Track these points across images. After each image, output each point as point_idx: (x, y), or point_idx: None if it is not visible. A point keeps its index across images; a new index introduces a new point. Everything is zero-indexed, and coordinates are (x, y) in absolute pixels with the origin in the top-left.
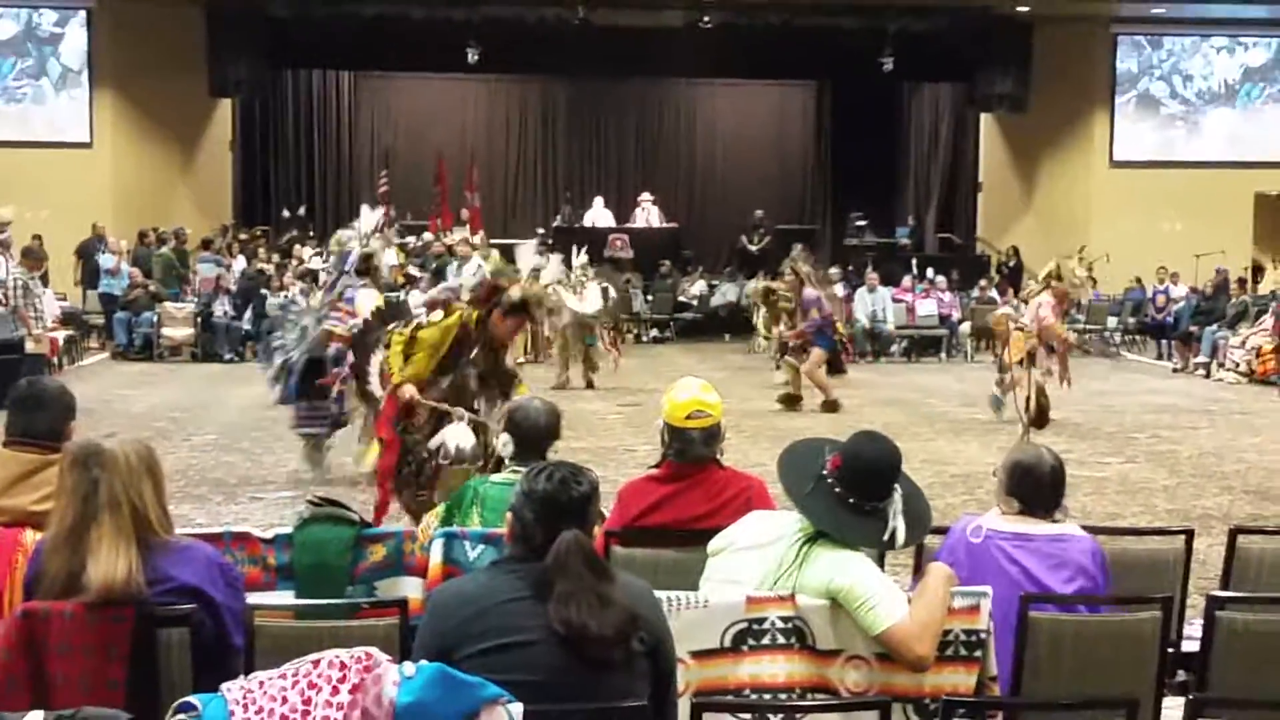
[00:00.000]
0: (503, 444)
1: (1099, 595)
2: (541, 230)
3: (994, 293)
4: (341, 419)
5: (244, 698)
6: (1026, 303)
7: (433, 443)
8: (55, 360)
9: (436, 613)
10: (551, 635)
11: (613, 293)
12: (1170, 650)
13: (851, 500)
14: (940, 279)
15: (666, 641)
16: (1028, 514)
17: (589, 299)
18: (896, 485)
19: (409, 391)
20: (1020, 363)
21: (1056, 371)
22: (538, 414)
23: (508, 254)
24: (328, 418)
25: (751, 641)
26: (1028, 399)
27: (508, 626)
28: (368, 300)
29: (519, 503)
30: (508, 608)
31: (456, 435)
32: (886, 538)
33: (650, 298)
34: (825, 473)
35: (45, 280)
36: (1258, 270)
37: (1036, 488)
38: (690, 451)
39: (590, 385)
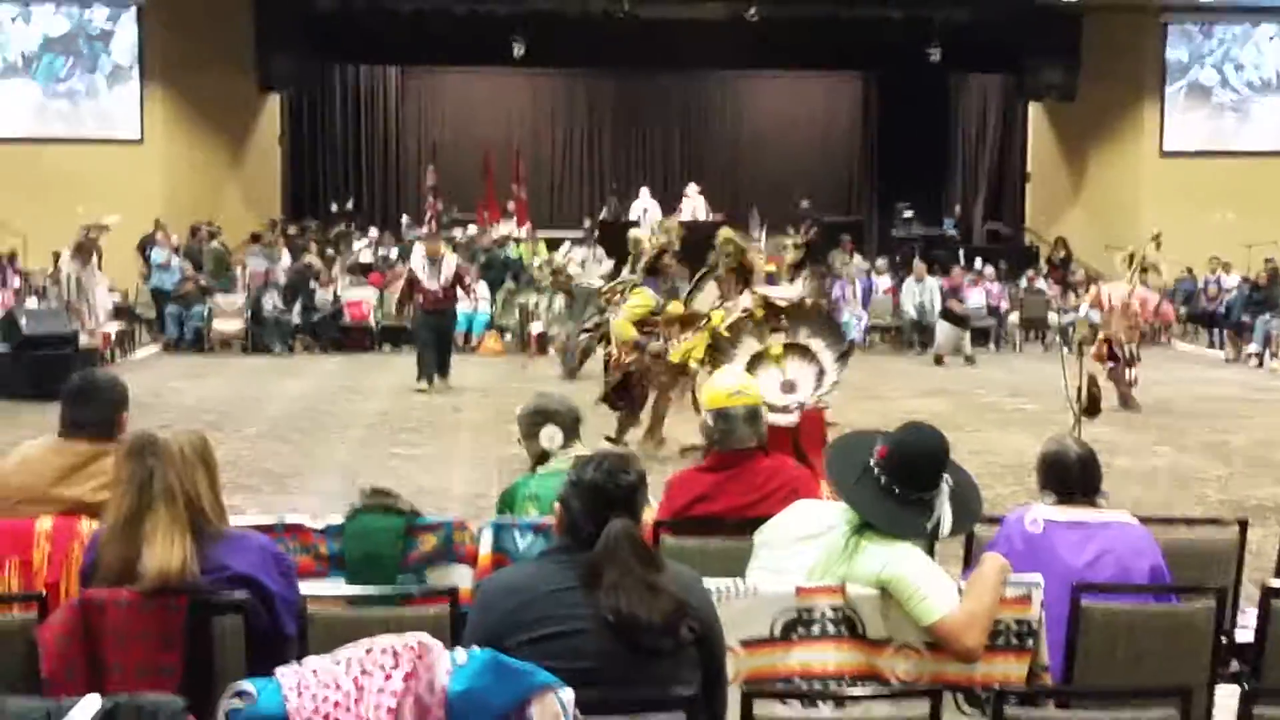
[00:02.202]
0: (549, 437)
1: (1157, 584)
2: (588, 222)
3: (1042, 283)
4: None
5: (298, 683)
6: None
7: None
8: (107, 353)
9: (485, 604)
10: (600, 624)
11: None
12: (1224, 640)
13: (898, 490)
14: (988, 269)
15: (716, 631)
16: (1067, 503)
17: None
18: (945, 475)
19: None
20: (1085, 352)
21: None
22: (561, 402)
23: (553, 245)
24: None
25: (801, 630)
26: (1079, 389)
27: (556, 616)
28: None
29: (568, 492)
30: (556, 597)
31: None
32: (930, 527)
33: None
34: (872, 463)
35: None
36: None
37: (1065, 477)
38: (735, 433)
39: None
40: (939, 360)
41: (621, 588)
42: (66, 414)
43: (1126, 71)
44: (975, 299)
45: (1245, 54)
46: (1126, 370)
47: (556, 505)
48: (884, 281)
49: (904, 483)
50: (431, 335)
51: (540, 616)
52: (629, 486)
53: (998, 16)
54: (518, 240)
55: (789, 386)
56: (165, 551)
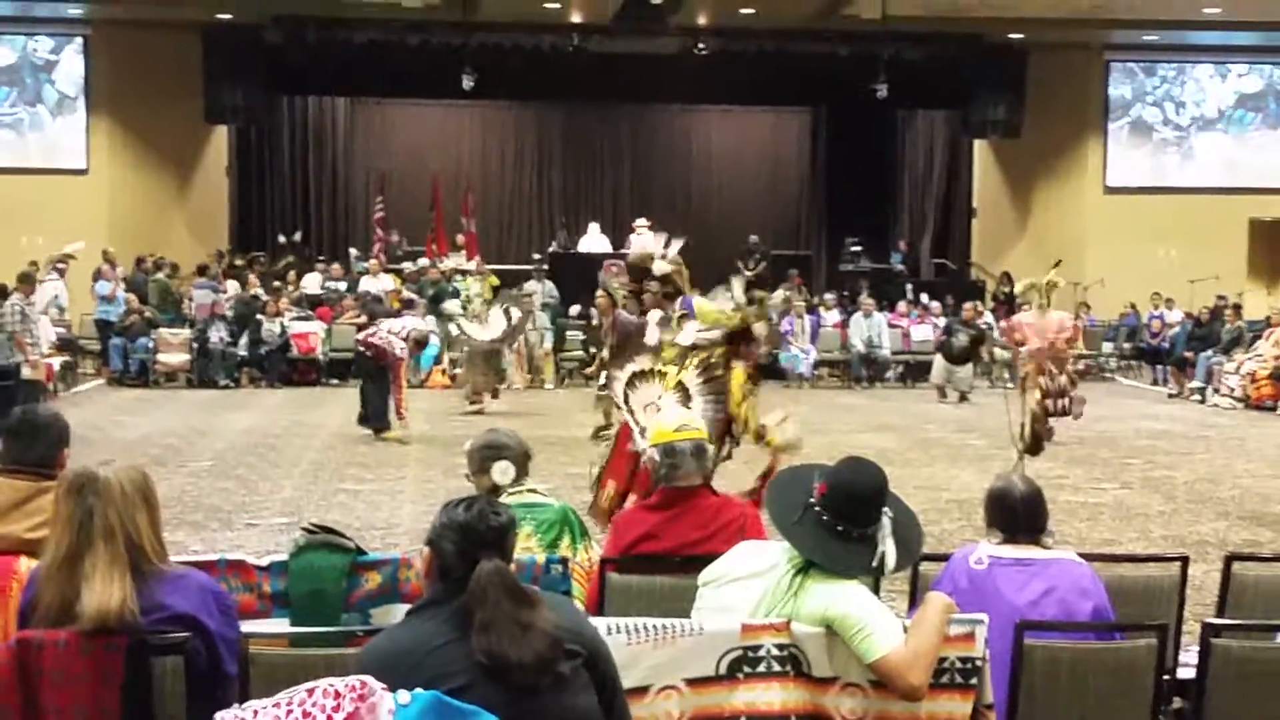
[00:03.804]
0: (501, 471)
1: (1100, 622)
2: (537, 256)
3: (990, 318)
4: None
5: None
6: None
7: None
8: (51, 386)
9: (369, 674)
10: (482, 670)
11: (515, 314)
12: (1166, 678)
13: (840, 528)
14: (935, 304)
15: (600, 647)
16: (1012, 542)
17: (492, 325)
18: (885, 509)
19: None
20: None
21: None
22: (512, 437)
23: (505, 279)
24: None
25: (747, 669)
26: (1022, 425)
27: (442, 674)
28: None
29: (437, 534)
30: (438, 655)
31: None
32: (875, 563)
33: None
34: (812, 501)
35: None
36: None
37: (1011, 516)
38: (682, 468)
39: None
40: (942, 394)
41: (492, 627)
42: (6, 451)
43: (1070, 109)
44: (920, 334)
45: (1186, 92)
46: (1055, 401)
47: (425, 549)
48: (832, 316)
49: (846, 519)
50: None
51: (428, 679)
52: (499, 528)
53: (944, 53)
54: (465, 273)
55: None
56: (104, 591)
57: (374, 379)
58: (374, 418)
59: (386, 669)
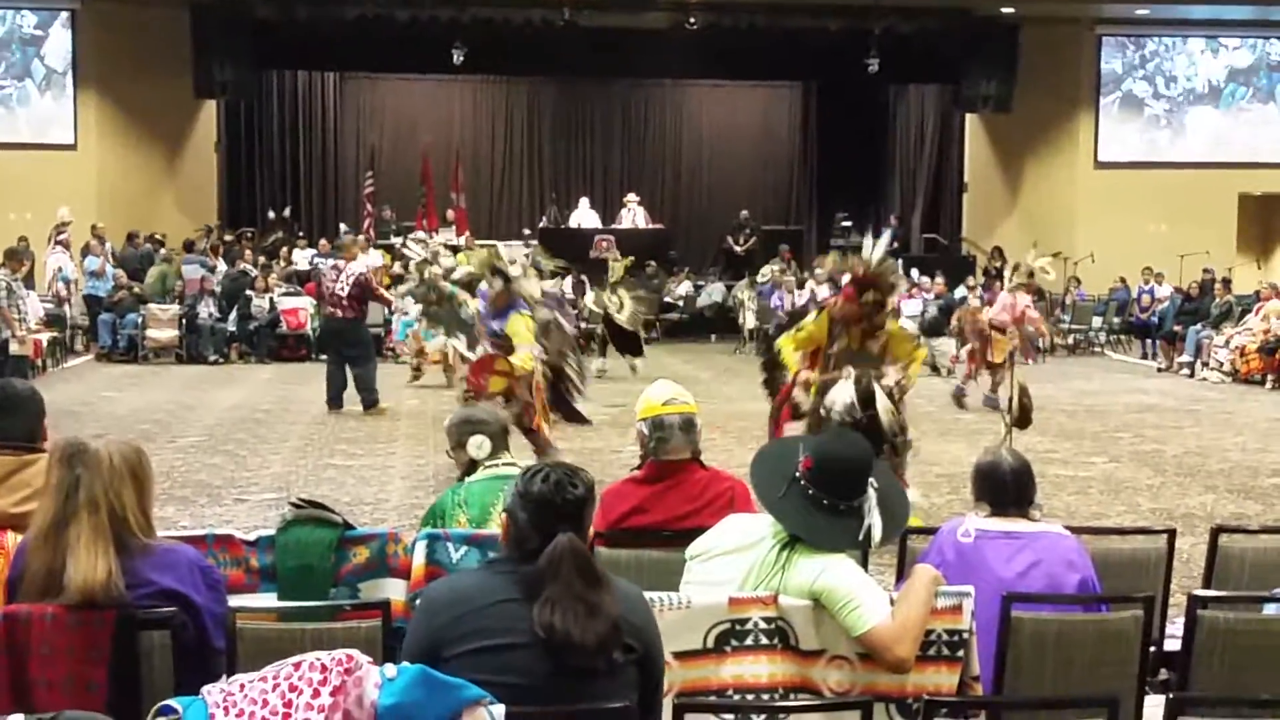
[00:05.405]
0: (477, 445)
1: (1086, 594)
2: (527, 231)
3: (981, 292)
4: None
5: (224, 700)
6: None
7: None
8: (39, 362)
9: (427, 610)
10: (538, 639)
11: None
12: (1152, 649)
13: (825, 501)
14: (925, 280)
15: (656, 651)
16: (1000, 515)
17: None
18: (871, 481)
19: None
20: (1002, 363)
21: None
22: (489, 413)
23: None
24: None
25: (734, 642)
26: (1010, 399)
27: (497, 628)
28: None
29: (514, 504)
30: (498, 609)
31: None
32: (862, 536)
33: None
34: (798, 474)
35: (30, 282)
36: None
37: (999, 489)
38: (671, 441)
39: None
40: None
41: (558, 605)
42: None
43: (1062, 83)
44: (910, 309)
45: (1178, 66)
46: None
47: (502, 516)
48: (823, 290)
49: (831, 492)
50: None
51: (480, 628)
52: (577, 500)
53: (935, 28)
54: (456, 248)
55: None
56: (89, 563)
57: (353, 350)
58: (363, 391)
59: (445, 606)
